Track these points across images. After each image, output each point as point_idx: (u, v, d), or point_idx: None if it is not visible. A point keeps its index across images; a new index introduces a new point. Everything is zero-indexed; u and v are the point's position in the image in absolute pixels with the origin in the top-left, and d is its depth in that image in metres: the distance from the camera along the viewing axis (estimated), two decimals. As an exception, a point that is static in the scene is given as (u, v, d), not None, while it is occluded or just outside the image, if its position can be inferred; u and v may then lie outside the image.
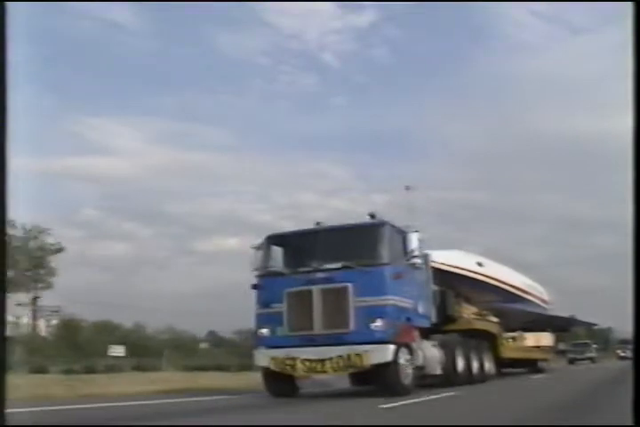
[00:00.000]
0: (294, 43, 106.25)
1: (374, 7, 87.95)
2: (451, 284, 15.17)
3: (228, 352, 49.42)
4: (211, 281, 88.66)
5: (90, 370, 25.05)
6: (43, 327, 38.03)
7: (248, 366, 24.46)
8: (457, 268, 15.78)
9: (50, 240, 18.54)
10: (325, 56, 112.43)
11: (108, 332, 44.68)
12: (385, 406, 8.69)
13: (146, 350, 37.42)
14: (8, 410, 2.28)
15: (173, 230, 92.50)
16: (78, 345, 34.72)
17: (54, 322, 38.40)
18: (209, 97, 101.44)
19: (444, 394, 10.95)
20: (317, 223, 12.61)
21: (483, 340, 15.90)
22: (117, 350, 26.16)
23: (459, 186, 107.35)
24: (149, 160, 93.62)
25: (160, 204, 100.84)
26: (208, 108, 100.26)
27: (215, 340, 67.52)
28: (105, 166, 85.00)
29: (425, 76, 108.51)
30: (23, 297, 18.38)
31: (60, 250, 17.72)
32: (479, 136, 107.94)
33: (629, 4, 2.44)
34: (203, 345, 63.38)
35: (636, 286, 2.37)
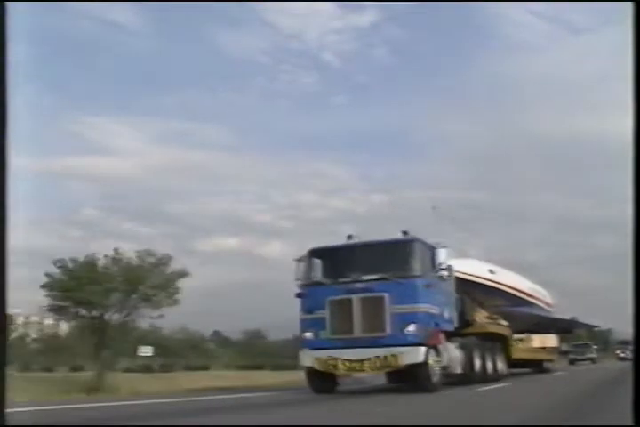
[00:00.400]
0: (294, 42, 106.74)
1: (375, 7, 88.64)
2: (466, 290, 16.59)
3: (240, 352, 50.41)
4: (211, 281, 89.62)
5: (147, 369, 26.36)
6: (66, 328, 39.18)
7: (283, 366, 25.72)
8: (471, 275, 17.15)
9: (177, 266, 21.45)
10: (326, 56, 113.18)
11: (128, 332, 45.82)
12: (483, 388, 12.39)
13: (165, 350, 38.80)
14: (8, 410, 2.30)
15: (173, 230, 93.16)
16: (105, 345, 35.88)
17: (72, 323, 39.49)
18: (209, 96, 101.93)
19: (503, 384, 14.75)
20: (349, 236, 13.93)
21: (496, 342, 17.28)
22: (146, 351, 27.53)
23: (459, 186, 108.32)
24: (149, 160, 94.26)
25: (160, 204, 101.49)
26: (208, 108, 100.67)
27: (220, 340, 68.55)
28: (105, 166, 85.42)
29: (425, 75, 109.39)
30: (157, 312, 21.25)
31: (185, 274, 20.13)
32: (479, 136, 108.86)
33: (629, 4, 2.47)
34: (210, 345, 64.33)
35: (636, 286, 2.37)
